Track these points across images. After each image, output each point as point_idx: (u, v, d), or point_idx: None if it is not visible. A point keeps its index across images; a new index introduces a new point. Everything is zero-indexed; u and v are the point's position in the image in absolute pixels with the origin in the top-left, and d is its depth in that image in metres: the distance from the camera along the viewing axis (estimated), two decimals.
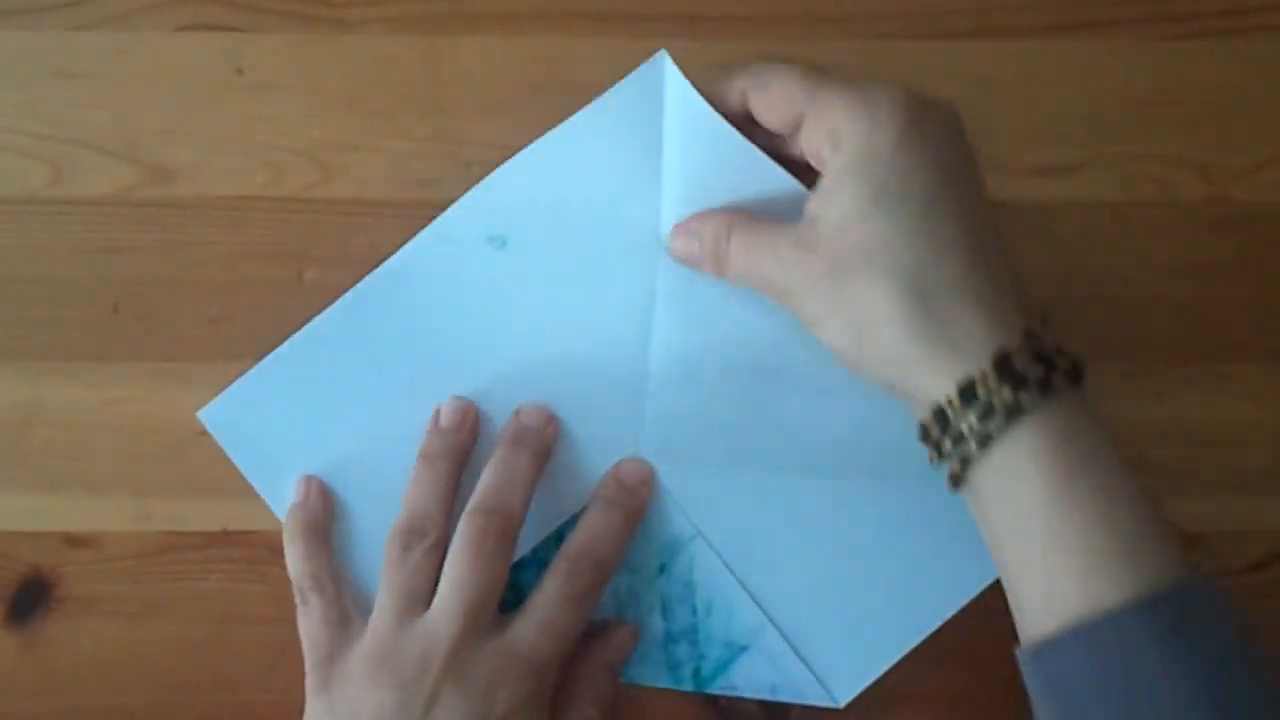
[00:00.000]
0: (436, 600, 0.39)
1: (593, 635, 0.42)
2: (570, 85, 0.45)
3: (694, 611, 0.43)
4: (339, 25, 0.45)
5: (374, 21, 0.45)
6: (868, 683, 0.43)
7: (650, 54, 0.45)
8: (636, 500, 0.43)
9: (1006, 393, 0.33)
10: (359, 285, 0.44)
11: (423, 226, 0.44)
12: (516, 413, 0.43)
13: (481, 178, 0.45)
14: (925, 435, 0.35)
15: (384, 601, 0.40)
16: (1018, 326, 0.34)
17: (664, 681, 0.43)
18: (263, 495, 0.43)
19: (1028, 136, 0.46)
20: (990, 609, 0.43)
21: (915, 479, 0.43)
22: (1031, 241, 0.45)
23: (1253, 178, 0.46)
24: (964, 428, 0.34)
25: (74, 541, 0.44)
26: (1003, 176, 0.46)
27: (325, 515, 0.42)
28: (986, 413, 0.33)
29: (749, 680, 0.43)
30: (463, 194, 0.45)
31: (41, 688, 0.44)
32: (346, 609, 0.41)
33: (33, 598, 0.44)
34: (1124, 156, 0.46)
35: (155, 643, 0.44)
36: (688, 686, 0.43)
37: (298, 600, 0.41)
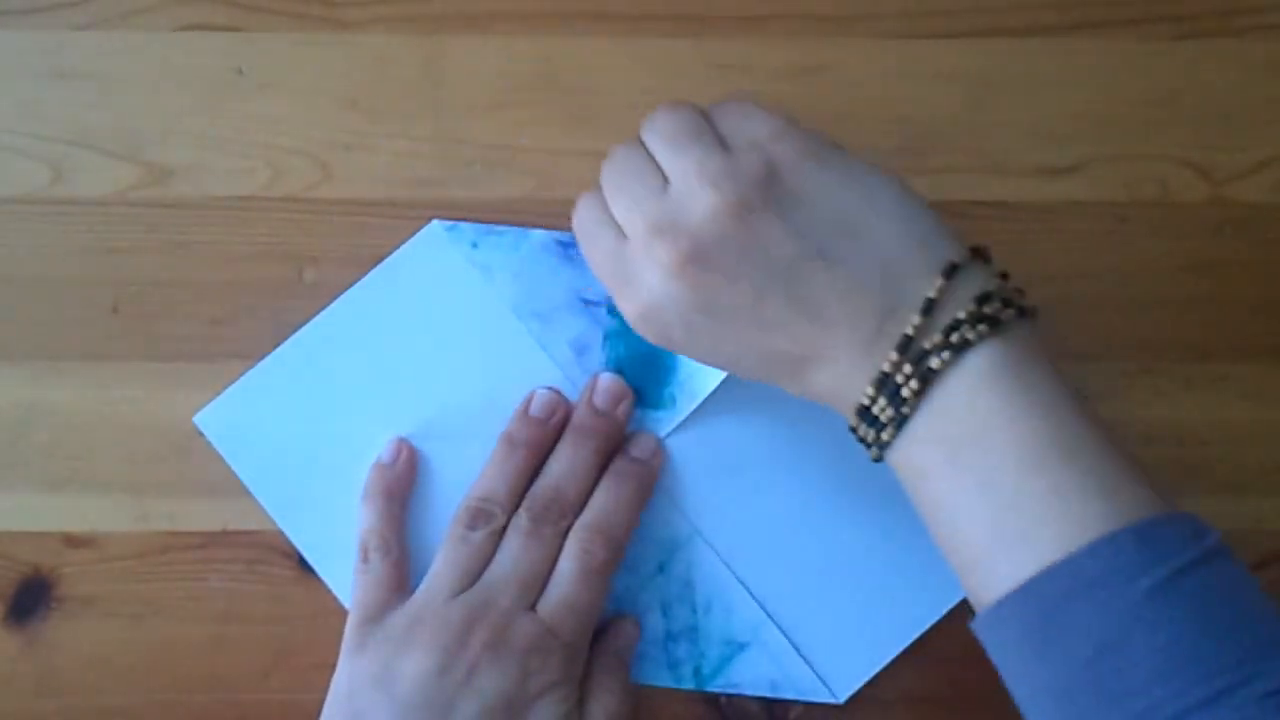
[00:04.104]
0: (488, 574, 0.40)
1: (600, 630, 0.42)
2: (570, 85, 0.46)
3: (693, 610, 0.43)
4: (339, 25, 0.45)
5: (374, 21, 0.45)
6: (867, 678, 0.43)
7: (651, 53, 0.46)
8: (647, 471, 0.43)
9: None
10: (353, 288, 0.44)
11: (422, 226, 0.44)
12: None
13: (482, 178, 0.45)
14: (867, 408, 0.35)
15: (440, 574, 0.41)
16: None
17: (664, 681, 0.43)
18: (259, 498, 0.43)
19: (1028, 136, 0.46)
20: None
21: None
22: (1031, 241, 0.45)
23: (1253, 178, 0.46)
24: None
25: (74, 541, 0.44)
26: (1003, 176, 0.46)
27: (407, 481, 0.43)
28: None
29: (749, 677, 0.43)
30: (463, 194, 0.45)
31: (41, 688, 0.43)
32: (404, 576, 0.42)
33: (33, 598, 0.44)
34: (1124, 156, 0.46)
35: (155, 643, 0.44)
36: (688, 685, 0.43)
37: (359, 557, 0.42)
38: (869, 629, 0.43)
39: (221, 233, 0.45)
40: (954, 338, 0.33)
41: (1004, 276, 0.35)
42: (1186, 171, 0.46)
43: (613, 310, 0.44)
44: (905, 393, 0.33)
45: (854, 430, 0.35)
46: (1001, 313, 0.33)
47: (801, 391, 0.36)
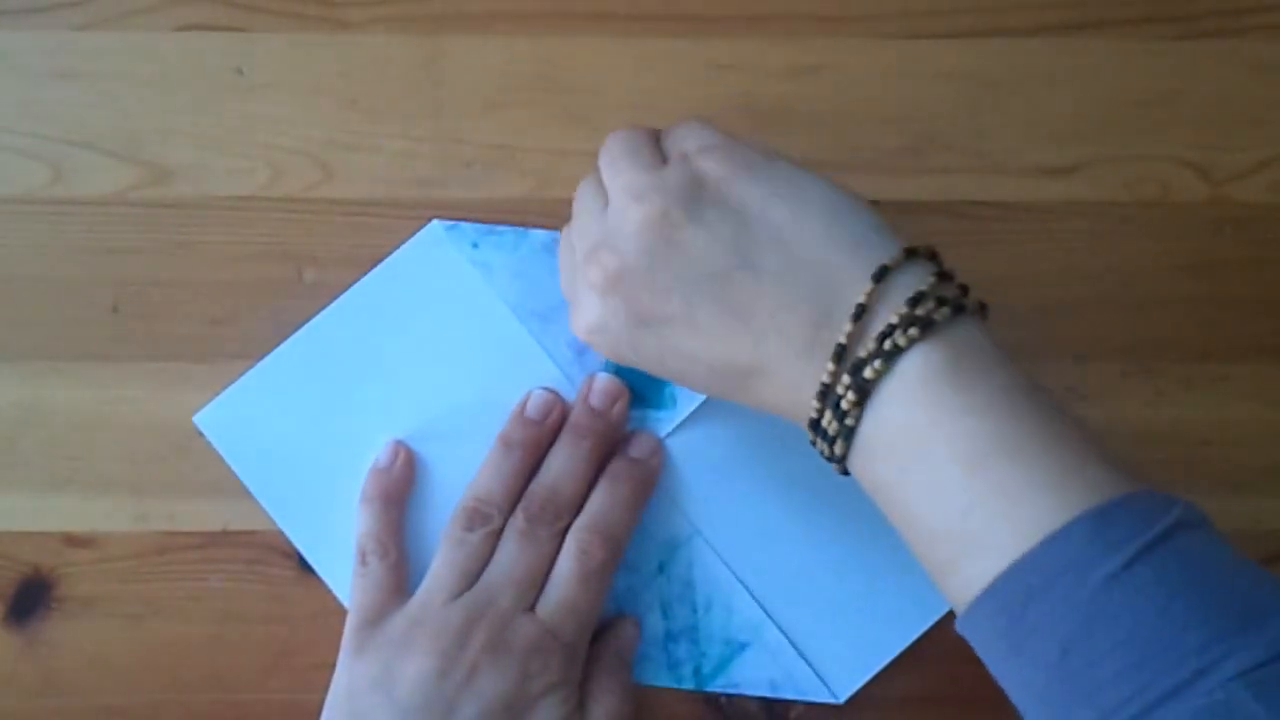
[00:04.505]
0: (486, 576, 0.40)
1: (600, 630, 0.42)
2: (570, 85, 0.46)
3: (694, 610, 0.43)
4: (339, 25, 0.45)
5: (374, 21, 0.45)
6: (867, 678, 0.43)
7: (651, 53, 0.46)
8: (646, 470, 0.43)
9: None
10: (353, 288, 0.44)
11: (422, 226, 0.44)
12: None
13: (482, 178, 0.45)
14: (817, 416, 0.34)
15: (438, 576, 0.41)
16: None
17: (664, 680, 0.43)
18: (258, 498, 0.43)
19: (1028, 136, 0.46)
20: None
21: None
22: (1031, 241, 0.45)
23: (1253, 178, 0.46)
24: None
25: (74, 541, 0.44)
26: (1003, 176, 0.46)
27: (404, 484, 0.43)
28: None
29: (749, 677, 0.43)
30: (463, 194, 0.45)
31: (41, 688, 0.43)
32: (403, 579, 0.42)
33: (33, 598, 0.44)
34: (1124, 156, 0.46)
35: (155, 643, 0.44)
36: (688, 685, 0.43)
37: (357, 560, 0.42)
38: (869, 629, 0.43)
39: (221, 233, 0.45)
40: (887, 344, 0.32)
41: (944, 275, 0.34)
42: (1186, 171, 0.46)
43: None
44: (845, 404, 0.33)
45: (813, 444, 0.35)
46: (935, 313, 0.32)
47: (758, 405, 0.36)
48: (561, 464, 0.42)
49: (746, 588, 0.43)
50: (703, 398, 0.43)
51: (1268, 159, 0.46)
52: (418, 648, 0.39)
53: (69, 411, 0.44)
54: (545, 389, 0.43)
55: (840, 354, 0.33)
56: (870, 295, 0.33)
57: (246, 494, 0.43)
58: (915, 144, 0.46)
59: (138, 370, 0.44)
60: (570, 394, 0.43)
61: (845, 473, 0.35)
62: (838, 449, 0.34)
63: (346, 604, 0.43)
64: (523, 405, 0.43)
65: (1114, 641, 0.29)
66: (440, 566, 0.41)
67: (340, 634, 0.41)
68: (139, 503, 0.44)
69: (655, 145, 0.37)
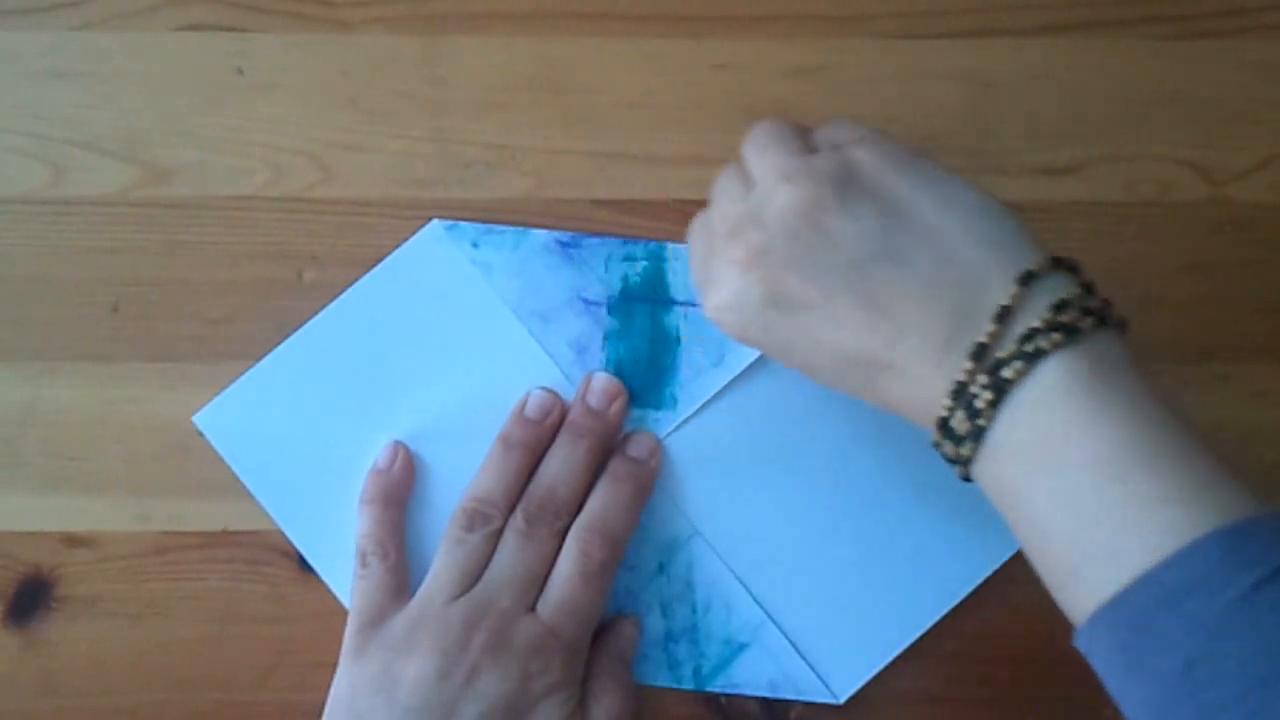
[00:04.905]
0: (486, 576, 0.40)
1: (600, 631, 0.42)
2: (570, 85, 0.46)
3: (693, 610, 0.43)
4: (339, 25, 0.45)
5: (374, 21, 0.45)
6: (866, 679, 0.43)
7: (651, 53, 0.46)
8: (645, 471, 0.43)
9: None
10: (352, 288, 0.44)
11: (422, 225, 0.44)
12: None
13: (481, 178, 0.45)
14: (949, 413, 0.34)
15: (438, 576, 0.41)
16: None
17: (664, 680, 0.43)
18: (258, 498, 0.43)
19: (1028, 136, 0.46)
20: (989, 609, 0.43)
21: (912, 476, 0.43)
22: None
23: (1253, 178, 0.46)
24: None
25: (74, 541, 0.44)
26: (1003, 176, 0.46)
27: (404, 485, 0.43)
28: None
29: (749, 677, 0.43)
30: (463, 194, 0.45)
31: (41, 688, 0.43)
32: (403, 581, 0.42)
33: (33, 598, 0.44)
34: (1124, 156, 0.46)
35: (155, 643, 0.44)
36: (688, 685, 0.43)
37: (358, 562, 0.42)
38: (869, 629, 0.43)
39: (221, 233, 0.45)
40: (1028, 347, 0.32)
41: (1089, 287, 0.34)
42: (1186, 171, 0.46)
43: (613, 310, 0.44)
44: (979, 404, 0.32)
45: (937, 446, 0.34)
46: (1079, 321, 0.32)
47: (881, 402, 0.35)
48: (559, 464, 0.42)
49: (746, 588, 0.43)
50: (703, 399, 0.43)
51: (1268, 159, 0.46)
52: (419, 648, 0.39)
53: (69, 411, 0.44)
54: (544, 389, 0.43)
55: (980, 353, 0.33)
56: (1014, 298, 0.33)
57: (246, 494, 0.44)
58: (915, 144, 0.45)
59: (138, 370, 0.44)
60: (570, 394, 0.43)
61: (968, 477, 0.34)
62: (965, 450, 0.33)
63: (347, 604, 0.43)
64: (522, 405, 0.43)
65: (1241, 659, 0.28)
66: (440, 567, 0.41)
67: (340, 634, 0.41)
68: (139, 503, 0.44)
69: (803, 137, 0.38)
